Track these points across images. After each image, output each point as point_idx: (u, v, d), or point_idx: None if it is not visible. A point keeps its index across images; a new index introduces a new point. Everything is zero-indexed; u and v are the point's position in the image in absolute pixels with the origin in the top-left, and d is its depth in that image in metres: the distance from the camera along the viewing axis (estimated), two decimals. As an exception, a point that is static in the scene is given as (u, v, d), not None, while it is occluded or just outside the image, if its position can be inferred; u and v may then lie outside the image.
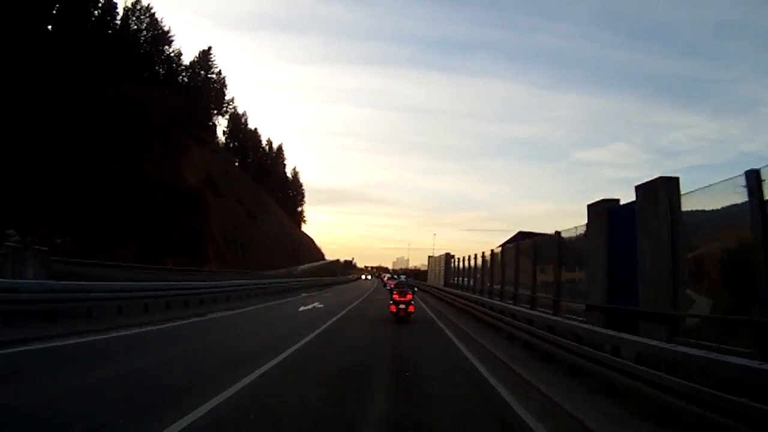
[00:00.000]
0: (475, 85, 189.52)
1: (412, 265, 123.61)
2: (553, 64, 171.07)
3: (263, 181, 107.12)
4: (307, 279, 41.37)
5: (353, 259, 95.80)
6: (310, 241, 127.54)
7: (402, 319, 15.96)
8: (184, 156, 56.94)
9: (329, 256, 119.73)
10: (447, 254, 33.48)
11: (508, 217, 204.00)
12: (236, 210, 63.50)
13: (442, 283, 32.80)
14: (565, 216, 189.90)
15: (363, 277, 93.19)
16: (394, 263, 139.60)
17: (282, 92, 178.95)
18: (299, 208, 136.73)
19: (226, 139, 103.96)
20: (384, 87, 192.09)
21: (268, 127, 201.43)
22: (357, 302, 24.83)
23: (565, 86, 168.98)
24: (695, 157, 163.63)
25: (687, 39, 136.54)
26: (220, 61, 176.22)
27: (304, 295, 28.69)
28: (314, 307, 20.58)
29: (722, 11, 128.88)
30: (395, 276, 54.96)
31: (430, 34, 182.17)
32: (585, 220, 11.33)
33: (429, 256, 47.95)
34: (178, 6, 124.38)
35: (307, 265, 62.39)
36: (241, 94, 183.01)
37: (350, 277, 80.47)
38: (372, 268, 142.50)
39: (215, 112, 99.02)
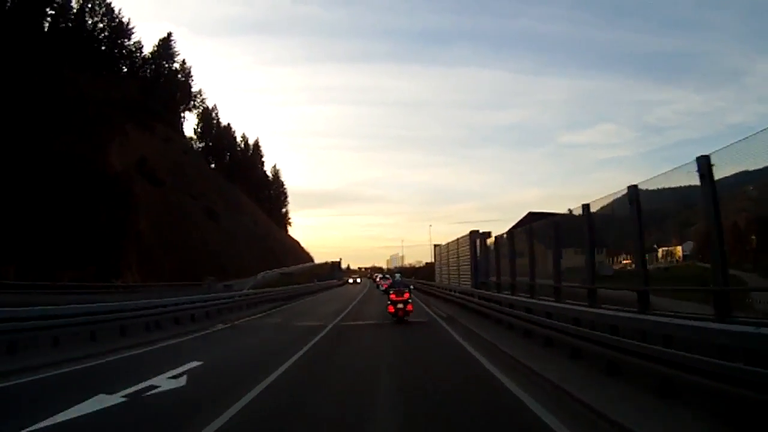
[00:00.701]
0: (459, 74, 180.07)
1: (407, 263, 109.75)
2: (535, 49, 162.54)
3: (239, 180, 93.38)
4: (254, 292, 27.02)
5: (340, 259, 78.79)
6: (295, 244, 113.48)
7: (401, 319, 14.28)
8: (117, 139, 42.58)
9: (320, 259, 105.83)
10: (473, 233, 19.44)
11: (501, 206, 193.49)
12: (188, 207, 49.20)
13: (470, 284, 18.82)
14: (557, 200, 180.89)
15: (350, 280, 70.57)
16: (388, 261, 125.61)
17: (263, 96, 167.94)
18: (283, 210, 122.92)
19: (197, 136, 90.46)
20: (367, 83, 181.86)
21: (251, 133, 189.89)
22: (303, 352, 10.13)
23: (549, 70, 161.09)
24: (683, 132, 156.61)
25: (667, 12, 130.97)
26: (201, 68, 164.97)
27: (220, 326, 14.53)
28: (132, 397, 6.26)
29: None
30: (386, 276, 43.99)
31: (410, 27, 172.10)
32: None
33: (435, 245, 34.03)
34: (155, 15, 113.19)
35: (275, 271, 47.89)
36: (222, 99, 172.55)
37: (336, 281, 65.26)
38: (365, 268, 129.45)
39: (183, 106, 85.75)
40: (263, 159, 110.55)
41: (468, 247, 19.54)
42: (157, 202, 42.42)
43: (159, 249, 37.98)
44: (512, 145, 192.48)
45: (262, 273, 40.51)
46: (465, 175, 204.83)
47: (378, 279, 52.40)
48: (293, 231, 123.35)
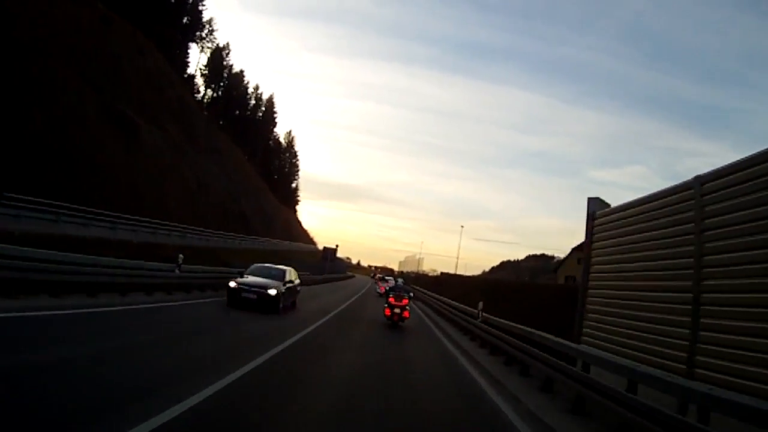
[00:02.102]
0: (497, 92, 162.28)
1: (421, 269, 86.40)
2: (575, 78, 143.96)
3: (242, 136, 72.86)
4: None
5: (337, 246, 52.66)
6: (294, 223, 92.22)
7: (395, 323, 13.85)
8: None
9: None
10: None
11: (518, 230, 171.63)
12: (78, 98, 27.96)
13: None
14: (576, 235, 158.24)
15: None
16: (401, 264, 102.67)
17: (298, 80, 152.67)
18: (293, 184, 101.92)
19: (204, 81, 70.21)
20: (405, 86, 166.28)
21: (284, 116, 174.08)
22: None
23: (586, 101, 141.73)
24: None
25: (711, 65, 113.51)
26: (243, 46, 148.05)
27: None
28: None
29: (748, 41, 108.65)
30: (386, 278, 43.76)
31: (456, 37, 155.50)
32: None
33: (594, 204, 11.37)
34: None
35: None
36: (261, 80, 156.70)
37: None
38: (376, 267, 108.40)
39: (190, 35, 65.74)
40: (276, 120, 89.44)
41: None
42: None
43: None
44: (538, 171, 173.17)
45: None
46: (487, 194, 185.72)
47: (378, 280, 47.78)
48: (306, 216, 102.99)
